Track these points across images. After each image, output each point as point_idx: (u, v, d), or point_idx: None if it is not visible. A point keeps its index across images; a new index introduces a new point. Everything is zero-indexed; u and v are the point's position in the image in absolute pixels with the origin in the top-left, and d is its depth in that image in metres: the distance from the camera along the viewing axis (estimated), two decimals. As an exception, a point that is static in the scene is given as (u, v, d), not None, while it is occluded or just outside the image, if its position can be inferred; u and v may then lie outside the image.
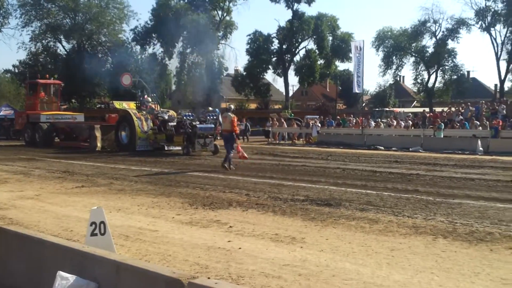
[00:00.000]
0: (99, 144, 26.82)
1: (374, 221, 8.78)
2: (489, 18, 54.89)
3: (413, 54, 60.08)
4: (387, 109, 55.90)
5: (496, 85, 60.43)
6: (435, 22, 57.49)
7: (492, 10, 54.76)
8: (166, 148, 25.52)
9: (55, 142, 32.02)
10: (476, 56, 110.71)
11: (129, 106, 28.22)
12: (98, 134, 27.06)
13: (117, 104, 30.11)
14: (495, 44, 55.35)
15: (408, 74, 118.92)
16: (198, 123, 23.99)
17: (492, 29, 55.38)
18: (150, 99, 28.13)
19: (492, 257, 6.62)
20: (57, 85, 35.34)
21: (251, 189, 12.76)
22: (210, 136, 23.97)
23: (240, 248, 7.10)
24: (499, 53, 55.06)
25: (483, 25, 55.37)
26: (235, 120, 17.68)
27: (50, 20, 58.94)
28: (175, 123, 24.77)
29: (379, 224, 8.55)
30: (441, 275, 5.90)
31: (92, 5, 58.63)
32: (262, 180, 14.64)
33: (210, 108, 26.33)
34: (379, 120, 37.93)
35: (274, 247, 7.19)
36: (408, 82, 73.46)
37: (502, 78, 55.42)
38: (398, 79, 69.15)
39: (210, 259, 6.60)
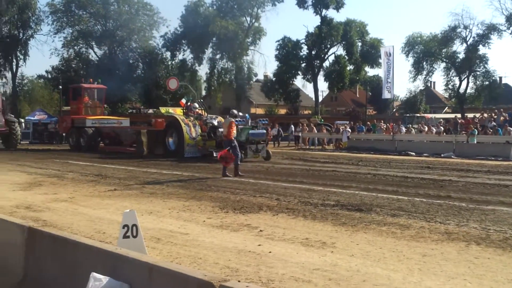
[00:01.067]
0: (145, 150, 26.71)
1: (406, 227, 8.71)
2: (521, 24, 54.04)
3: (444, 60, 59.44)
4: (418, 115, 55.33)
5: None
6: (465, 27, 56.83)
7: (523, 15, 53.94)
8: (214, 155, 24.28)
9: (100, 146, 32.08)
10: (508, 62, 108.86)
11: (176, 112, 27.97)
12: (144, 139, 26.94)
13: (163, 110, 29.73)
14: (528, 50, 54.47)
15: (439, 79, 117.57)
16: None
17: (526, 35, 54.51)
18: (197, 105, 27.75)
19: (526, 264, 6.52)
20: (102, 89, 35.23)
21: (282, 193, 12.77)
22: (262, 142, 23.52)
23: (270, 252, 7.12)
24: (531, 58, 54.17)
25: (515, 31, 54.54)
26: (232, 125, 17.33)
27: (81, 27, 60.09)
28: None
29: (411, 230, 8.48)
30: (474, 282, 5.83)
31: (123, 12, 59.46)
32: (293, 185, 14.64)
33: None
34: (410, 125, 37.57)
35: (304, 252, 7.19)
36: (439, 88, 72.77)
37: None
38: (429, 84, 68.51)
39: (240, 262, 6.63)
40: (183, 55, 61.92)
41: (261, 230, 8.54)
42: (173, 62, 62.21)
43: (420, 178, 16.15)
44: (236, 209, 10.57)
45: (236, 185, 14.48)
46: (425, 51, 58.51)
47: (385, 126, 36.25)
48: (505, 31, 55.63)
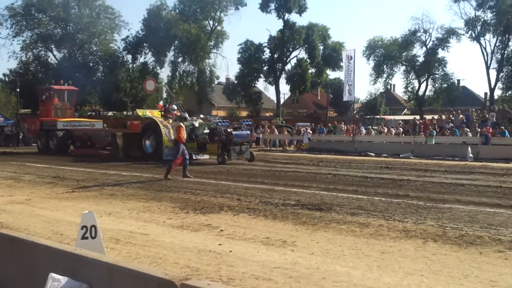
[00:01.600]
0: (121, 152, 26.05)
1: (365, 225, 8.80)
2: (478, 27, 55.19)
3: (404, 63, 60.29)
4: (378, 116, 55.98)
5: (486, 93, 60.79)
6: (425, 31, 57.75)
7: (482, 20, 55.10)
8: (194, 158, 23.52)
9: (70, 149, 31.18)
10: (466, 65, 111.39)
11: (153, 114, 27.35)
12: (120, 141, 26.30)
13: (140, 112, 28.85)
14: (485, 53, 55.69)
15: (398, 82, 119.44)
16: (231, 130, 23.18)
17: (481, 38, 55.65)
18: (175, 107, 26.76)
19: (481, 260, 6.65)
20: (72, 91, 34.36)
21: (243, 194, 12.77)
22: (245, 143, 23.18)
23: (231, 251, 7.10)
24: (488, 62, 55.41)
25: (473, 34, 55.67)
26: (180, 129, 16.86)
27: (41, 30, 58.91)
28: (207, 131, 23.47)
29: (370, 228, 8.58)
30: (431, 278, 5.93)
31: (84, 15, 58.54)
32: (253, 185, 14.64)
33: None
34: (370, 127, 38.03)
35: (265, 250, 7.20)
36: (399, 91, 73.69)
37: (492, 86, 55.75)
38: (389, 87, 69.47)
39: (200, 262, 6.60)
40: (144, 58, 61.48)
41: (221, 230, 8.52)
42: (134, 65, 61.62)
43: (380, 178, 16.34)
44: (197, 209, 10.52)
45: (197, 186, 14.42)
46: (385, 55, 59.23)
47: (345, 128, 36.62)
48: (463, 35, 56.77)
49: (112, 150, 26.88)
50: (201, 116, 26.49)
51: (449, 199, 11.76)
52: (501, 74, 55.81)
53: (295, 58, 62.01)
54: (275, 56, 61.38)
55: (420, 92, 59.76)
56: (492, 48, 55.45)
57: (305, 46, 60.08)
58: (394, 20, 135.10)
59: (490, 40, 55.70)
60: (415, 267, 6.35)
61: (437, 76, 58.66)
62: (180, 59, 60.25)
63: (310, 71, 61.53)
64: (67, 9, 57.85)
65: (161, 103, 28.46)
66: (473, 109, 35.61)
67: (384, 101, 70.58)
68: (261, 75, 62.12)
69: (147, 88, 32.67)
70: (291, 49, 61.49)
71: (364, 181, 15.60)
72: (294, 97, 77.82)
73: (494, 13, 53.59)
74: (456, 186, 14.34)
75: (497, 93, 58.28)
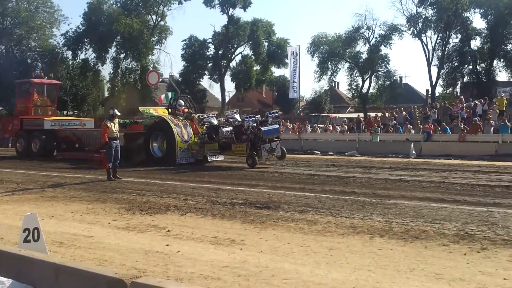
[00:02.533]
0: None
1: (313, 222, 8.85)
2: (420, 24, 56.44)
3: (348, 60, 61.02)
4: (323, 114, 56.54)
5: (427, 90, 62.25)
6: (368, 28, 58.59)
7: (423, 16, 56.36)
8: (209, 160, 21.42)
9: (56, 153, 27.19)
10: (408, 62, 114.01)
11: (157, 111, 24.05)
12: (121, 144, 22.75)
13: (144, 110, 24.71)
14: (426, 50, 57.00)
15: (343, 80, 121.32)
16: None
17: (423, 35, 56.90)
18: (182, 102, 23.72)
19: (426, 254, 6.78)
20: (54, 85, 31.00)
21: (189, 193, 12.65)
22: (275, 139, 20.24)
23: (178, 252, 7.00)
24: (430, 59, 56.71)
25: (415, 31, 56.91)
26: (104, 128, 16.15)
27: (-24, 25, 56.86)
28: (230, 128, 20.44)
29: (318, 225, 8.62)
30: (378, 272, 5.99)
31: (21, 9, 56.74)
32: (200, 184, 14.55)
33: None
34: (316, 125, 38.38)
35: (213, 250, 7.13)
36: (343, 88, 74.78)
37: (433, 83, 57.17)
38: (333, 85, 70.25)
39: (148, 263, 6.48)
40: (85, 54, 59.90)
41: (169, 230, 8.40)
42: (74, 62, 60.16)
43: (326, 176, 16.47)
44: (143, 210, 10.35)
45: (143, 187, 14.20)
46: (329, 51, 59.77)
47: (291, 126, 36.86)
48: (405, 31, 57.92)
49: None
50: (225, 112, 23.79)
51: (394, 195, 11.95)
52: (442, 71, 57.22)
53: (240, 54, 61.97)
54: (220, 52, 61.12)
55: (364, 90, 60.72)
56: (433, 45, 56.84)
57: (250, 42, 60.08)
58: (338, 17, 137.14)
59: (431, 37, 57.07)
60: (363, 262, 6.41)
61: (380, 73, 59.66)
62: (122, 56, 59.14)
63: (255, 68, 61.59)
64: (3, 2, 55.79)
65: (162, 97, 26.57)
66: (415, 106, 36.34)
67: (329, 99, 71.45)
68: (206, 72, 61.65)
69: (149, 82, 29.55)
70: (235, 45, 61.36)
71: (311, 179, 15.71)
72: (239, 95, 77.84)
73: (435, 9, 54.92)
74: (400, 182, 14.60)
75: (438, 90, 59.83)
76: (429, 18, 56.01)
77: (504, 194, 12.03)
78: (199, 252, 7.01)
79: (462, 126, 27.36)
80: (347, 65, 61.41)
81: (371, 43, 58.68)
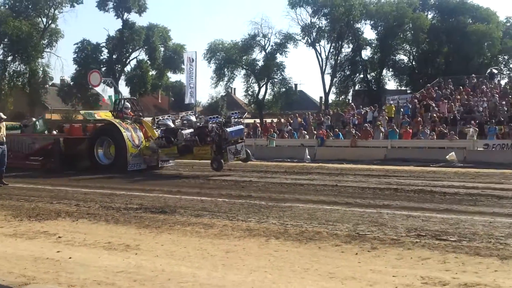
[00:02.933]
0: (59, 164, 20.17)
1: (209, 226, 8.81)
2: (314, 34, 58.23)
3: (244, 67, 61.79)
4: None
5: (321, 97, 64.24)
6: (264, 36, 59.73)
7: (317, 26, 58.22)
8: (160, 165, 20.33)
9: None
10: (303, 70, 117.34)
11: (100, 115, 22.12)
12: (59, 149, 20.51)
13: (86, 115, 22.84)
14: (320, 59, 58.84)
15: (239, 86, 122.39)
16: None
17: (317, 44, 58.85)
18: (128, 105, 21.88)
19: (320, 254, 6.92)
20: None
21: (81, 199, 12.23)
22: (240, 141, 18.97)
23: (70, 258, 6.73)
24: (323, 67, 58.68)
25: (309, 40, 58.65)
26: None
27: None
28: (190, 130, 19.11)
29: (214, 229, 8.60)
30: (274, 273, 6.05)
31: None
32: (93, 190, 14.12)
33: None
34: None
35: (107, 255, 6.92)
36: (240, 94, 75.49)
37: (327, 91, 59.11)
38: (230, 91, 70.83)
39: (37, 270, 6.16)
40: (-30, 56, 56.96)
41: (59, 237, 8.06)
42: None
43: (222, 180, 16.49)
44: (32, 216, 9.88)
45: (31, 193, 13.58)
46: (226, 58, 60.27)
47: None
48: (300, 40, 59.56)
49: (49, 160, 20.42)
50: (182, 113, 22.35)
51: (289, 198, 12.15)
52: (335, 79, 59.46)
53: (135, 59, 61.15)
54: (114, 56, 59.97)
55: (260, 96, 61.62)
56: (327, 54, 58.85)
57: (145, 47, 59.45)
58: (235, 24, 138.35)
59: (324, 46, 59.12)
60: (259, 264, 6.45)
61: (275, 80, 60.86)
62: (10, 58, 56.72)
63: (150, 73, 60.98)
64: None
65: (106, 98, 24.71)
66: (310, 113, 37.41)
67: (225, 105, 71.87)
68: (99, 77, 60.23)
69: (91, 83, 27.57)
70: (130, 50, 60.52)
71: (207, 184, 15.69)
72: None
73: (328, 20, 56.89)
74: (295, 186, 14.87)
75: (331, 97, 61.97)
76: (323, 28, 58.01)
77: (393, 196, 12.55)
78: (92, 258, 6.77)
79: (353, 132, 28.46)
80: (243, 71, 62.19)
81: (267, 51, 59.80)
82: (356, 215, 9.75)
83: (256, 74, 60.46)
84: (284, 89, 60.69)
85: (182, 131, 18.90)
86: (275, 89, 61.23)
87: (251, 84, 62.12)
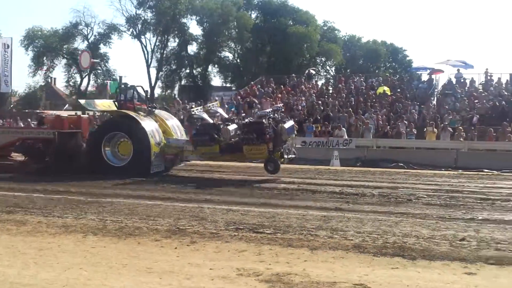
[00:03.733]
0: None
1: (22, 223, 8.45)
2: (139, 26, 57.53)
3: (65, 56, 59.34)
4: (38, 111, 53.88)
5: (146, 91, 63.50)
6: (87, 25, 57.87)
7: (143, 19, 57.62)
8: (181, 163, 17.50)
9: None
10: (128, 62, 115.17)
11: (102, 105, 17.89)
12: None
13: (87, 105, 18.41)
14: (145, 52, 58.28)
15: (60, 76, 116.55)
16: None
17: (142, 37, 58.21)
18: (136, 94, 17.94)
19: (139, 249, 6.96)
20: None
21: None
22: (289, 139, 16.18)
23: None
24: (149, 60, 58.22)
25: (134, 32, 57.83)
26: None
27: None
28: (234, 126, 15.84)
29: (27, 226, 8.26)
30: (90, 270, 5.99)
31: None
32: None
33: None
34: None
35: None
36: (61, 85, 72.31)
37: (153, 84, 58.78)
38: (50, 80, 67.54)
39: None
40: None
41: None
42: None
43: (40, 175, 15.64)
44: None
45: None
46: (45, 46, 57.41)
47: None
48: (125, 32, 58.48)
49: (49, 159, 16.46)
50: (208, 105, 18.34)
51: (109, 194, 11.98)
52: (161, 73, 59.27)
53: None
54: None
55: (83, 87, 59.64)
56: (153, 47, 58.44)
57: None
58: (56, 11, 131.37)
59: (150, 39, 58.63)
60: (74, 261, 6.34)
61: (99, 71, 59.28)
62: None
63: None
64: None
65: (108, 86, 20.31)
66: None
67: (45, 95, 68.44)
68: None
69: (81, 64, 24.56)
70: None
71: (22, 178, 14.74)
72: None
73: (154, 13, 56.53)
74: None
75: (158, 91, 61.74)
76: (148, 20, 57.49)
77: (216, 191, 12.84)
78: None
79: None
80: (64, 61, 59.68)
81: (89, 41, 57.95)
82: (178, 210, 9.89)
83: (78, 64, 58.40)
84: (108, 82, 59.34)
85: (227, 127, 15.67)
86: (99, 80, 59.63)
87: (73, 74, 59.86)
